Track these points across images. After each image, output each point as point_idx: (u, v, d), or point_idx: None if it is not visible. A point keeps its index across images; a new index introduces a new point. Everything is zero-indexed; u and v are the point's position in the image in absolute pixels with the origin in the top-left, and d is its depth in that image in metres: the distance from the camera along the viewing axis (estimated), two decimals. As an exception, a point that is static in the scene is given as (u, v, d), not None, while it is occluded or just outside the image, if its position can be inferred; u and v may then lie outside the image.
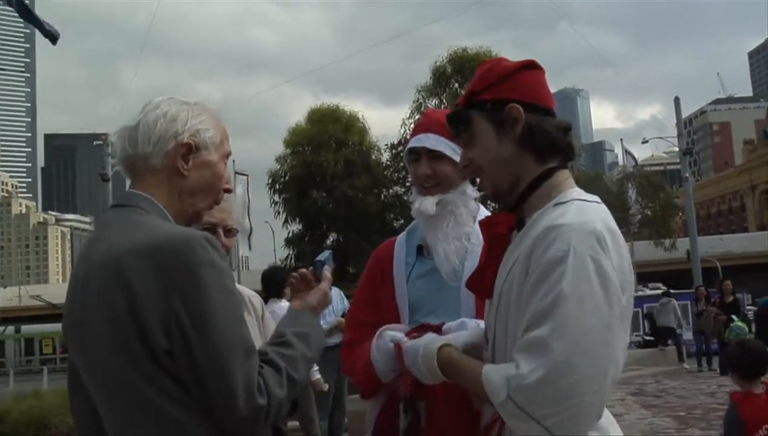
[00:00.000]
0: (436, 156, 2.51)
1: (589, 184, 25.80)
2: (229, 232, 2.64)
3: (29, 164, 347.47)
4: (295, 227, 28.83)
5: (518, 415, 1.55)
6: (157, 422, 1.59)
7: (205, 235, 1.66)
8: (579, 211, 1.66)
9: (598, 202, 1.73)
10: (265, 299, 7.03)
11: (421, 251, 2.57)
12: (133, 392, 1.59)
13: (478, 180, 2.56)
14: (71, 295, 1.71)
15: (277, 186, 29.11)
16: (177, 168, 1.83)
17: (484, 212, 2.62)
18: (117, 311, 1.59)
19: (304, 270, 2.08)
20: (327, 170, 27.95)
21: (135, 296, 1.58)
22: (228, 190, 1.95)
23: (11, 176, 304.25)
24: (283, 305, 7.02)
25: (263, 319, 2.80)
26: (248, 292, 2.83)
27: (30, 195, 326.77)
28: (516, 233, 1.81)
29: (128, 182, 1.90)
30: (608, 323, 1.54)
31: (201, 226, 2.42)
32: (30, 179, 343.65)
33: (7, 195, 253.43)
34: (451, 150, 2.49)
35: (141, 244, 1.62)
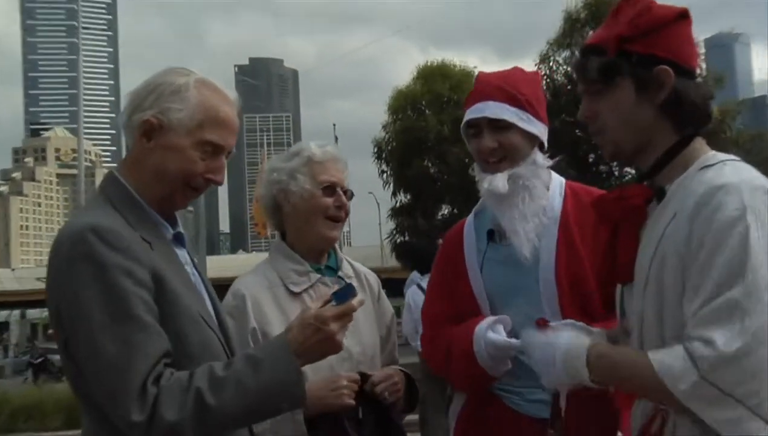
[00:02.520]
0: (500, 126, 2.51)
1: (749, 144, 24.61)
2: (346, 193, 2.77)
3: (113, 131, 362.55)
4: (403, 198, 28.84)
5: (715, 398, 1.54)
6: (84, 404, 1.82)
7: (92, 226, 1.77)
8: (735, 170, 1.70)
9: (741, 161, 1.78)
10: (421, 273, 7.28)
11: (492, 235, 2.59)
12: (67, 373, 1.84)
13: (542, 150, 2.57)
14: None
15: (384, 154, 29.06)
16: (139, 144, 1.95)
17: (557, 181, 2.63)
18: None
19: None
20: (431, 134, 27.66)
21: (47, 285, 1.83)
22: (213, 182, 2.00)
23: (95, 144, 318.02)
24: None
25: (380, 300, 2.92)
26: (363, 269, 2.96)
27: (115, 164, 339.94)
28: (654, 206, 1.83)
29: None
30: None
31: (322, 184, 2.69)
32: (115, 148, 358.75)
33: (90, 165, 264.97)
34: (517, 117, 2.51)
35: (58, 234, 1.83)
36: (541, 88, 2.69)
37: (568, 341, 1.88)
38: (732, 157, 1.78)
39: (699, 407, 1.57)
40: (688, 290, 1.63)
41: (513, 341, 2.37)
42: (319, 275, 2.71)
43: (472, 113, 2.56)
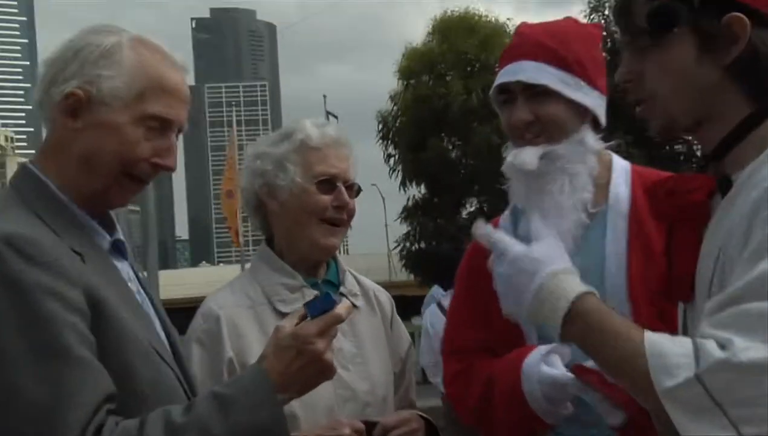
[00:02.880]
0: (537, 93, 2.51)
1: None
2: (351, 189, 2.78)
3: (29, 107, 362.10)
4: (416, 191, 28.51)
5: (701, 407, 1.55)
6: None
7: (5, 236, 1.76)
8: None
9: None
10: (444, 290, 7.40)
11: None
12: None
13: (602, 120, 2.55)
14: None
15: (390, 134, 28.76)
16: (61, 125, 1.96)
17: (621, 166, 2.60)
18: None
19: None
20: (453, 107, 27.39)
21: None
22: (162, 167, 2.03)
23: (4, 125, 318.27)
24: None
25: (393, 325, 2.97)
26: (373, 286, 3.00)
27: (32, 151, 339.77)
28: (718, 200, 1.82)
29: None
30: None
31: (317, 178, 2.71)
32: (32, 129, 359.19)
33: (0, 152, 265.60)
34: (560, 81, 2.51)
35: None
36: (599, 48, 2.69)
37: (560, 271, 1.86)
38: None
39: (677, 413, 1.58)
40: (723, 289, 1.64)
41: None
42: (315, 292, 2.67)
43: (503, 76, 2.56)
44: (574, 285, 1.82)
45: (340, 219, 2.74)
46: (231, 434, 1.76)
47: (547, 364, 2.37)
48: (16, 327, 1.70)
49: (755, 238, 1.60)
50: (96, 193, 1.99)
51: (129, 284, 2.05)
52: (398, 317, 3.00)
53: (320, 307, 1.95)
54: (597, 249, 2.49)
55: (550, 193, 2.47)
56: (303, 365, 1.89)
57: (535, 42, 2.54)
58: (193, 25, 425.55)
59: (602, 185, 2.56)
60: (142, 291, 2.12)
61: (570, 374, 2.33)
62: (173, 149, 2.03)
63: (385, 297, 2.99)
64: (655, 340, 1.64)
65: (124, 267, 2.08)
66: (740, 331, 1.54)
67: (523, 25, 2.72)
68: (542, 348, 2.41)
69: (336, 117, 25.99)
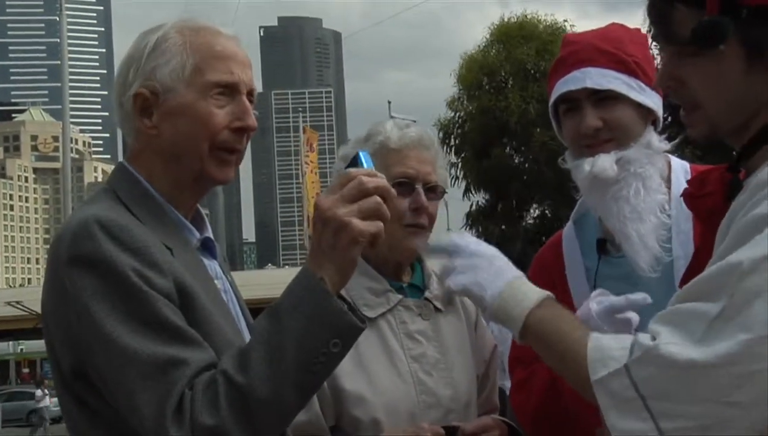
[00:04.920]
0: (603, 98, 2.47)
1: None
2: (432, 191, 2.68)
3: (106, 113, 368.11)
4: (480, 197, 28.52)
5: (625, 398, 1.55)
6: None
7: (98, 218, 1.81)
8: None
9: None
10: None
11: (604, 246, 2.54)
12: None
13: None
14: None
15: (452, 141, 28.78)
16: (141, 129, 2.01)
17: (679, 166, 2.55)
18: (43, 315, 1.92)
19: None
20: (513, 115, 27.32)
21: (43, 299, 1.89)
22: (244, 129, 2.02)
23: (82, 130, 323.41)
24: None
25: (478, 328, 2.90)
26: None
27: (108, 156, 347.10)
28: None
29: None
30: None
31: (394, 180, 2.54)
32: (107, 134, 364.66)
33: (77, 156, 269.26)
34: (626, 86, 2.47)
35: (56, 234, 1.88)
36: (649, 48, 2.65)
37: (520, 278, 1.87)
38: None
39: (605, 402, 1.59)
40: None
41: (631, 296, 2.18)
42: (400, 296, 2.65)
43: (567, 84, 2.51)
44: (529, 293, 1.84)
45: (418, 223, 2.64)
46: (290, 334, 1.72)
47: (597, 303, 2.22)
48: (115, 305, 1.74)
49: (724, 243, 1.60)
50: (196, 176, 2.02)
51: (216, 281, 2.06)
52: (483, 320, 2.92)
53: (351, 165, 1.89)
54: (666, 252, 2.44)
55: (626, 199, 2.43)
56: (330, 237, 1.77)
57: (593, 47, 2.51)
58: (261, 34, 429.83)
59: (668, 188, 2.52)
60: (230, 290, 2.14)
61: (621, 298, 2.19)
62: (248, 110, 2.02)
63: (470, 301, 2.93)
64: (598, 336, 1.66)
65: (212, 265, 2.10)
66: (669, 325, 1.54)
67: (570, 35, 2.70)
68: (587, 301, 2.26)
69: (413, 121, 26.00)
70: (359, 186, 1.78)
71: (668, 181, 2.54)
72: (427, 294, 2.73)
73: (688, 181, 1.92)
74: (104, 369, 1.76)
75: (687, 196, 1.89)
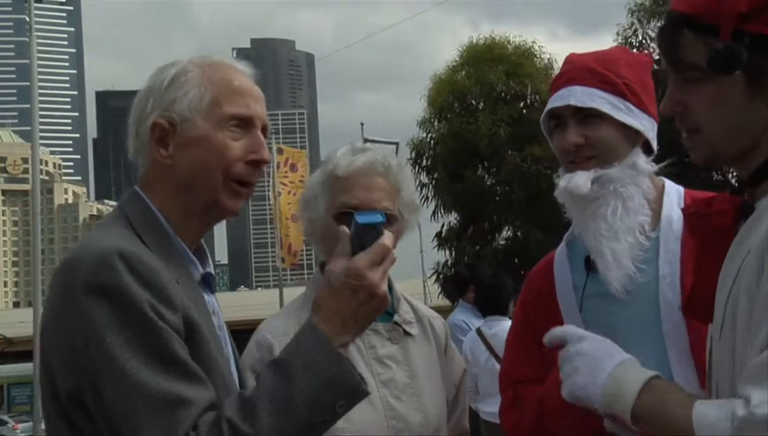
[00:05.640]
0: (587, 116, 2.51)
1: None
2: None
3: (76, 135, 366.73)
4: (451, 218, 28.57)
5: None
6: None
7: (120, 251, 1.82)
8: None
9: None
10: (483, 315, 7.40)
11: (592, 264, 2.56)
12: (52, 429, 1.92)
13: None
14: None
15: (424, 161, 28.84)
16: (157, 158, 2.04)
17: (674, 189, 2.58)
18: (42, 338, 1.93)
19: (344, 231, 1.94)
20: (483, 138, 27.43)
21: (46, 319, 1.90)
22: (258, 162, 2.05)
23: (52, 152, 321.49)
24: (508, 325, 7.25)
25: (447, 351, 2.90)
26: (428, 312, 2.93)
27: (79, 178, 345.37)
28: (742, 223, 1.80)
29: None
30: None
31: (336, 210, 2.58)
32: (78, 156, 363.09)
33: (47, 178, 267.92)
34: (609, 105, 2.50)
35: (67, 257, 1.91)
36: (649, 74, 2.67)
37: (629, 358, 1.88)
38: None
39: None
40: (749, 338, 1.63)
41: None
42: None
43: (553, 102, 2.58)
44: (629, 387, 1.81)
45: None
46: (301, 393, 1.78)
47: None
48: (130, 339, 1.77)
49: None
50: (208, 205, 2.05)
51: (212, 317, 2.08)
52: (452, 344, 2.94)
53: (366, 218, 1.90)
54: (651, 271, 2.46)
55: (603, 217, 2.47)
56: (360, 303, 1.86)
57: (585, 67, 2.56)
58: (234, 55, 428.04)
59: (657, 209, 2.54)
60: (224, 327, 2.17)
61: None
62: (262, 143, 2.07)
63: (440, 324, 2.91)
64: (701, 411, 1.64)
65: (211, 300, 2.13)
66: (756, 384, 1.55)
67: (573, 54, 2.72)
68: None
69: (396, 143, 26.25)
70: (386, 252, 1.89)
71: (658, 202, 2.56)
72: (396, 318, 2.72)
73: (691, 203, 1.95)
74: (111, 399, 1.77)
75: (693, 215, 1.91)
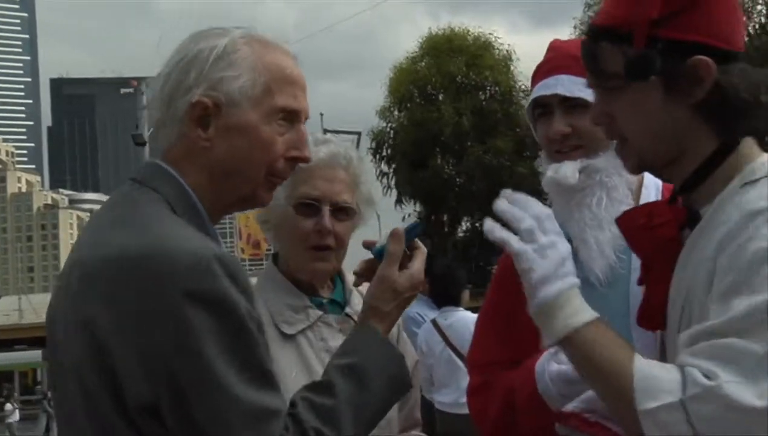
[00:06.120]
0: (574, 105, 2.51)
1: None
2: (343, 212, 2.63)
3: (30, 122, 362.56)
4: (411, 209, 28.59)
5: (678, 432, 1.58)
6: None
7: (218, 254, 1.71)
8: None
9: None
10: (438, 306, 7.40)
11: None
12: None
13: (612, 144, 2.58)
14: (53, 309, 1.86)
15: (385, 151, 28.81)
16: (193, 138, 1.88)
17: (652, 182, 2.59)
18: (84, 339, 1.70)
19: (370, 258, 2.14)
20: (446, 127, 27.43)
21: (109, 323, 1.68)
22: (299, 159, 1.97)
23: (5, 140, 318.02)
24: (463, 315, 7.30)
25: (399, 340, 2.82)
26: None
27: (33, 166, 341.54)
28: (687, 232, 1.83)
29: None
30: None
31: (297, 201, 2.57)
32: (32, 144, 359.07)
33: (0, 167, 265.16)
34: None
35: (130, 250, 1.70)
36: None
37: (568, 289, 1.81)
38: None
39: (654, 434, 1.61)
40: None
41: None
42: (320, 312, 2.62)
43: (540, 90, 2.57)
44: (579, 313, 1.79)
45: (323, 244, 2.60)
46: (374, 398, 1.87)
47: (557, 362, 2.32)
48: (223, 342, 1.68)
49: (727, 278, 1.63)
50: (244, 198, 1.96)
51: None
52: (405, 335, 2.92)
53: (414, 233, 2.05)
54: (626, 262, 2.47)
55: (588, 206, 2.47)
56: (398, 310, 2.03)
57: (570, 55, 2.53)
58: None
59: (636, 200, 2.56)
60: None
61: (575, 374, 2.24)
62: (306, 140, 1.98)
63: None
64: (643, 364, 1.66)
65: None
66: (725, 364, 1.56)
67: (556, 40, 2.74)
68: (552, 349, 2.33)
69: (357, 133, 26.15)
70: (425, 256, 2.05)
71: (637, 193, 2.58)
72: (347, 310, 2.70)
73: (631, 214, 1.95)
74: (202, 411, 1.68)
75: (639, 228, 1.90)
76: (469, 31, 30.18)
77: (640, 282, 1.95)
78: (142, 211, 1.82)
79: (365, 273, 2.15)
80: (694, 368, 1.59)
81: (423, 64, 29.28)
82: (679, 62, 1.73)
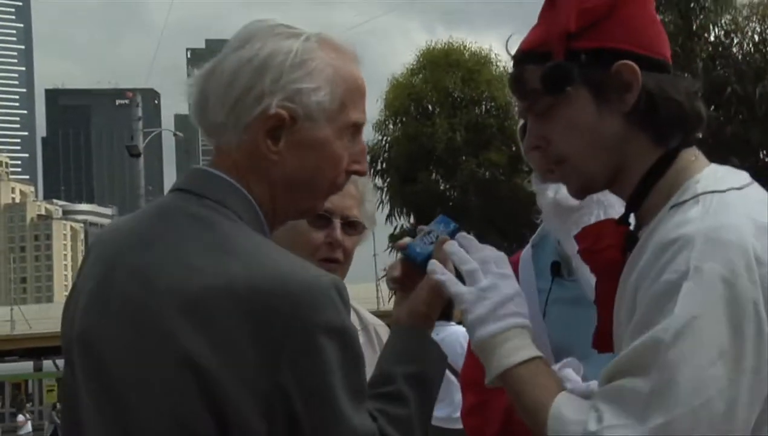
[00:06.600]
0: None
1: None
2: (352, 227, 2.63)
3: (25, 133, 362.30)
4: (404, 222, 28.63)
5: None
6: None
7: (335, 282, 1.66)
8: (709, 210, 1.63)
9: (741, 188, 1.69)
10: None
11: (558, 269, 2.57)
12: None
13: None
14: (93, 332, 1.69)
15: (379, 165, 28.86)
16: (261, 149, 1.75)
17: None
18: (184, 379, 1.57)
19: (401, 258, 2.01)
20: (440, 142, 27.47)
21: (219, 362, 1.56)
22: (358, 173, 1.89)
23: (0, 150, 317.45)
24: (455, 330, 7.26)
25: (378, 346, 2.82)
26: (373, 320, 2.87)
27: (27, 176, 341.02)
28: (629, 256, 1.80)
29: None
30: (734, 381, 1.52)
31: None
32: (26, 154, 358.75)
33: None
34: None
35: (239, 281, 1.58)
36: None
37: (527, 326, 1.84)
38: (727, 181, 1.70)
39: None
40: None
41: (593, 383, 2.29)
42: None
43: None
44: (513, 353, 1.79)
45: (332, 257, 2.56)
46: (430, 396, 1.90)
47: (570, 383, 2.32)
48: (341, 372, 1.62)
49: (638, 315, 1.61)
50: (304, 211, 1.92)
51: None
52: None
53: (454, 235, 1.98)
54: None
55: (586, 226, 2.47)
56: (435, 301, 1.97)
57: None
58: (189, 56, 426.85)
59: None
60: None
61: (589, 383, 2.13)
62: (366, 153, 1.92)
63: (385, 331, 2.80)
64: (561, 405, 1.67)
65: None
66: (614, 405, 1.57)
67: None
68: (556, 366, 2.38)
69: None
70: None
71: None
72: None
73: (580, 235, 1.91)
74: None
75: (584, 251, 1.87)
76: (465, 46, 30.28)
77: (595, 303, 1.93)
78: (231, 232, 1.69)
79: (404, 280, 2.01)
80: (594, 411, 1.59)
81: (420, 77, 29.34)
82: (603, 70, 1.73)
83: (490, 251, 1.92)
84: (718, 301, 1.53)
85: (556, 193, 2.47)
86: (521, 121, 2.58)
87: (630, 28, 1.76)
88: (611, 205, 2.43)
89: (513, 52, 1.87)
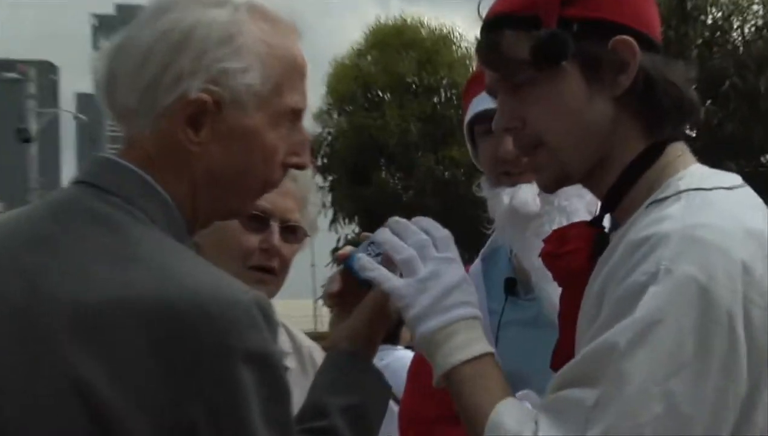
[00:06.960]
0: None
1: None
2: (292, 232, 2.60)
3: None
4: (351, 229, 28.45)
5: None
6: None
7: (258, 299, 1.61)
8: (691, 207, 1.63)
9: (730, 188, 1.70)
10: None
11: (513, 287, 2.58)
12: None
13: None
14: None
15: (320, 161, 28.65)
16: (180, 139, 1.71)
17: None
18: (73, 405, 1.52)
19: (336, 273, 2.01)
20: (392, 136, 27.39)
21: (114, 390, 1.51)
22: (297, 166, 1.86)
23: None
24: (402, 354, 7.30)
25: (311, 370, 2.82)
26: (307, 342, 2.90)
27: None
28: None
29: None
30: (692, 400, 1.51)
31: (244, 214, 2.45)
32: None
33: None
34: None
35: (145, 295, 1.54)
36: None
37: (478, 317, 1.85)
38: (712, 180, 1.71)
39: None
40: None
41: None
42: None
43: (482, 103, 2.50)
44: (458, 351, 1.80)
45: (267, 266, 2.56)
46: (369, 431, 1.93)
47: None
48: (260, 399, 1.58)
49: (601, 315, 1.63)
50: (232, 212, 1.89)
51: None
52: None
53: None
54: None
55: (547, 235, 2.49)
56: (377, 325, 2.00)
57: None
58: (95, 24, 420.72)
59: None
60: None
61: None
62: (307, 143, 1.86)
63: (321, 356, 2.73)
64: (502, 412, 1.69)
65: None
66: (552, 416, 1.60)
67: None
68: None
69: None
70: None
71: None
72: None
73: (547, 238, 1.91)
74: None
75: (545, 256, 1.87)
76: (423, 23, 30.13)
77: (558, 317, 1.94)
78: (137, 235, 1.64)
79: (344, 296, 2.01)
80: (532, 423, 1.63)
81: (368, 59, 29.21)
82: (598, 45, 1.71)
83: (431, 231, 1.91)
84: (687, 307, 1.52)
85: (512, 198, 2.47)
86: (469, 114, 2.61)
87: (628, 2, 1.76)
88: (575, 212, 2.45)
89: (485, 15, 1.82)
